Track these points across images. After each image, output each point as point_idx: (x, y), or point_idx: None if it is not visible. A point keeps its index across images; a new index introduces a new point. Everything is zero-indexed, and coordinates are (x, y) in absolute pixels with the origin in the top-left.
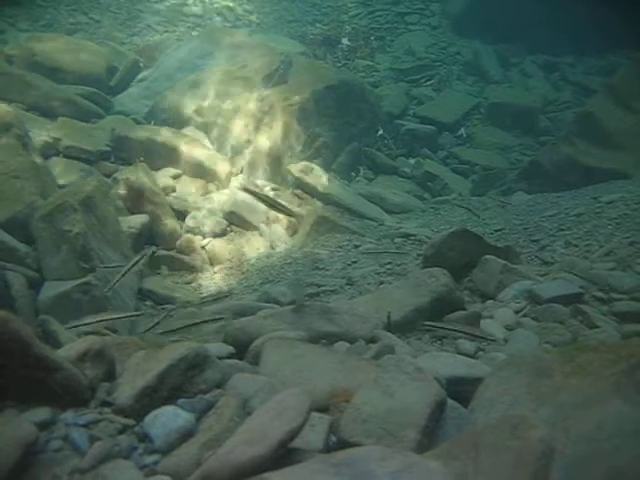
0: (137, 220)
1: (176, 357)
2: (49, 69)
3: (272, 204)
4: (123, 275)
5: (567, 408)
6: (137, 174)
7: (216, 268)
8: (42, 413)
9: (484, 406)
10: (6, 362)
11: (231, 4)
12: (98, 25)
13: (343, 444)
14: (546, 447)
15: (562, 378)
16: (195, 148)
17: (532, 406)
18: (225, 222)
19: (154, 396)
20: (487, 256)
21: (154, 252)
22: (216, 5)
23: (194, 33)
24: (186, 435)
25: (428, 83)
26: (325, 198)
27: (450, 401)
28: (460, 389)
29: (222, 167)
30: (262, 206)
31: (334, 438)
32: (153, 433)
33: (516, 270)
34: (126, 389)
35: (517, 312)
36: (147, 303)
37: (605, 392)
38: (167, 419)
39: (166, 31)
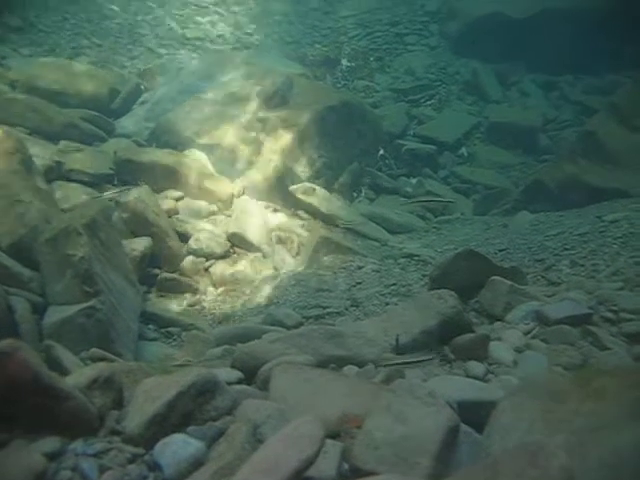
0: (140, 243)
1: (186, 384)
2: (51, 93)
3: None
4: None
5: (583, 434)
6: (140, 197)
7: (219, 290)
8: (51, 443)
9: (499, 432)
10: (15, 391)
11: (231, 27)
12: (100, 49)
13: (356, 472)
14: (567, 476)
15: (577, 403)
16: (197, 170)
17: (548, 432)
18: (228, 244)
19: (164, 424)
20: (494, 277)
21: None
22: (216, 28)
23: (195, 56)
24: (197, 463)
25: (428, 103)
26: (327, 219)
27: (463, 426)
28: (472, 413)
29: (224, 189)
30: (265, 228)
31: (346, 465)
32: (163, 462)
33: (523, 291)
34: (135, 417)
35: (526, 334)
36: (150, 326)
37: (621, 417)
38: (177, 447)
39: (167, 54)
